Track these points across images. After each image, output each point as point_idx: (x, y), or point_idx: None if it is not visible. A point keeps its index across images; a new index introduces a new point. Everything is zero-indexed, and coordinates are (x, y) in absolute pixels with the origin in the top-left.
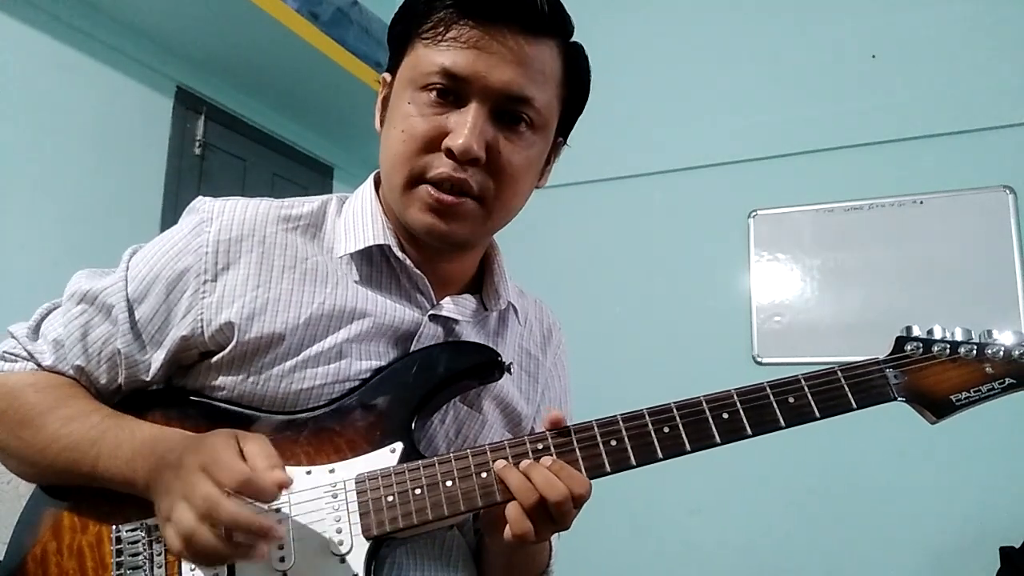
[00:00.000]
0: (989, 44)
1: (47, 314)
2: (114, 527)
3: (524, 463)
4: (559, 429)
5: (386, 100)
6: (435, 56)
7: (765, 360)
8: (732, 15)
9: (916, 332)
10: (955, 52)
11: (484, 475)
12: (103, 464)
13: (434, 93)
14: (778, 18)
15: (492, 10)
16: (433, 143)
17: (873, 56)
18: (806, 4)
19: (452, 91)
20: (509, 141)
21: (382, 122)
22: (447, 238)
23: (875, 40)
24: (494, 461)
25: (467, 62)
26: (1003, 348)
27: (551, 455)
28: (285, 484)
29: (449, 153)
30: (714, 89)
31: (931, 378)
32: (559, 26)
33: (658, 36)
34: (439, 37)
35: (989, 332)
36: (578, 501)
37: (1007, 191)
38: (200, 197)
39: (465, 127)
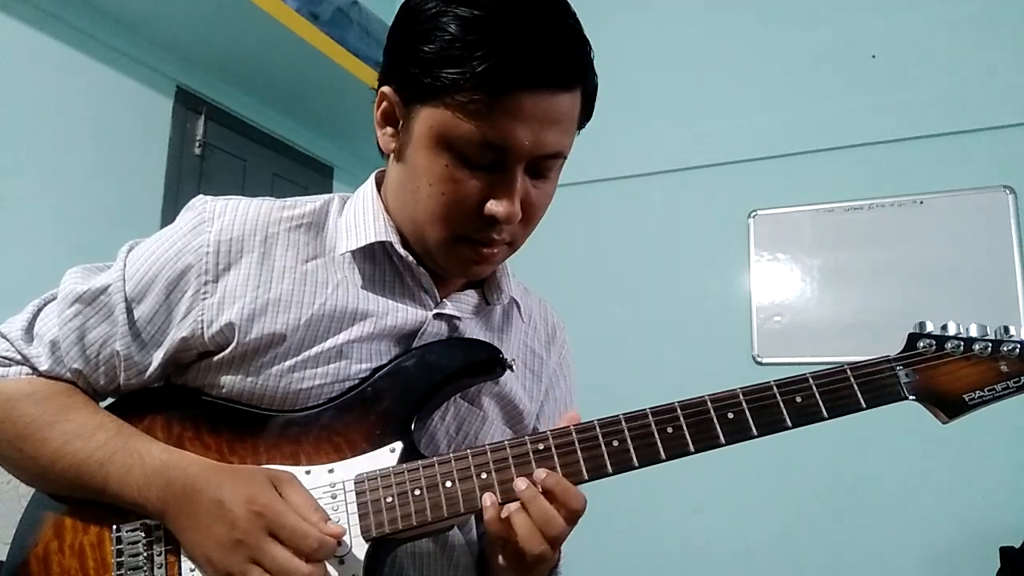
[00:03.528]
0: (989, 44)
1: (39, 311)
2: (114, 526)
3: (515, 505)
4: (560, 429)
5: (390, 118)
6: (475, 127)
7: (765, 360)
8: (732, 15)
9: (929, 328)
10: (955, 52)
11: (484, 476)
12: (112, 489)
13: (475, 161)
14: (778, 18)
15: (528, 77)
16: (476, 207)
17: (873, 56)
18: (806, 4)
19: (492, 159)
20: (537, 188)
21: (395, 150)
22: (478, 277)
23: (875, 40)
24: (494, 461)
25: (511, 135)
26: (1020, 345)
27: (552, 455)
28: (341, 535)
29: (493, 219)
30: (714, 89)
31: (943, 376)
32: (586, 72)
33: (658, 36)
34: (479, 107)
35: (1006, 328)
36: (574, 516)
37: (1007, 191)
38: (200, 195)
39: (511, 196)
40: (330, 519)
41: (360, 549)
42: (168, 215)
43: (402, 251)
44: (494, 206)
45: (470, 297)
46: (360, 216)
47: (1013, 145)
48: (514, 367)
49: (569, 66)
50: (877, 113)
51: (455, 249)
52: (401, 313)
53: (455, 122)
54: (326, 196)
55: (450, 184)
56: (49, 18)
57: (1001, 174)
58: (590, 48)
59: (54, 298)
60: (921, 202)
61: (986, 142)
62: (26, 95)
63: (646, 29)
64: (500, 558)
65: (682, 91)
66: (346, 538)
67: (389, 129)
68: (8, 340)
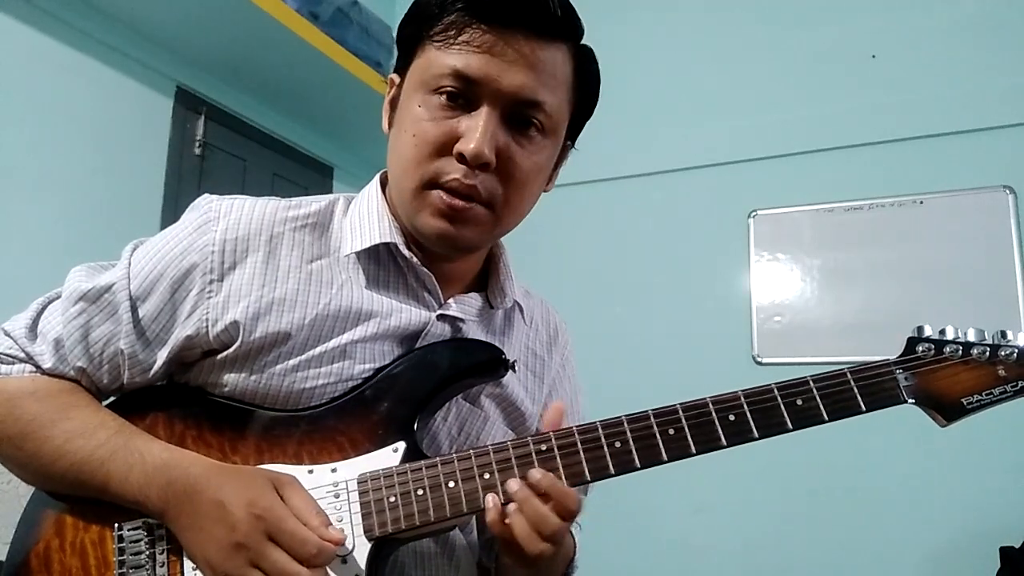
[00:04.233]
0: (989, 44)
1: (43, 309)
2: (116, 525)
3: (513, 506)
4: (563, 430)
5: (394, 102)
6: (446, 59)
7: (765, 360)
8: (732, 15)
9: (928, 332)
10: (955, 52)
11: (487, 476)
12: (113, 488)
13: (444, 96)
14: (778, 18)
15: (504, 14)
16: (444, 147)
17: (873, 56)
18: (806, 4)
19: (463, 94)
20: (519, 146)
21: (390, 124)
22: (456, 242)
23: (875, 40)
24: (497, 462)
25: (479, 65)
26: (1017, 350)
27: (555, 455)
28: (341, 542)
29: (460, 158)
30: (714, 89)
31: (942, 380)
32: (570, 30)
33: (658, 36)
34: (450, 40)
35: (1003, 333)
36: (570, 515)
37: (1007, 191)
38: (205, 195)
39: (477, 131)
40: (331, 523)
41: (363, 549)
42: (168, 215)
43: (406, 252)
44: (462, 144)
45: (473, 300)
46: (365, 217)
47: (1013, 145)
48: (516, 368)
49: (547, 15)
50: (877, 113)
51: (426, 198)
52: (405, 314)
53: (430, 59)
54: (331, 196)
55: (421, 124)
56: (49, 18)
57: (1001, 174)
58: (577, 15)
59: (58, 296)
60: (921, 202)
61: (986, 142)
62: (26, 95)
63: (646, 29)
64: (506, 557)
65: (682, 91)
66: (348, 538)
67: (391, 111)
68: (12, 338)
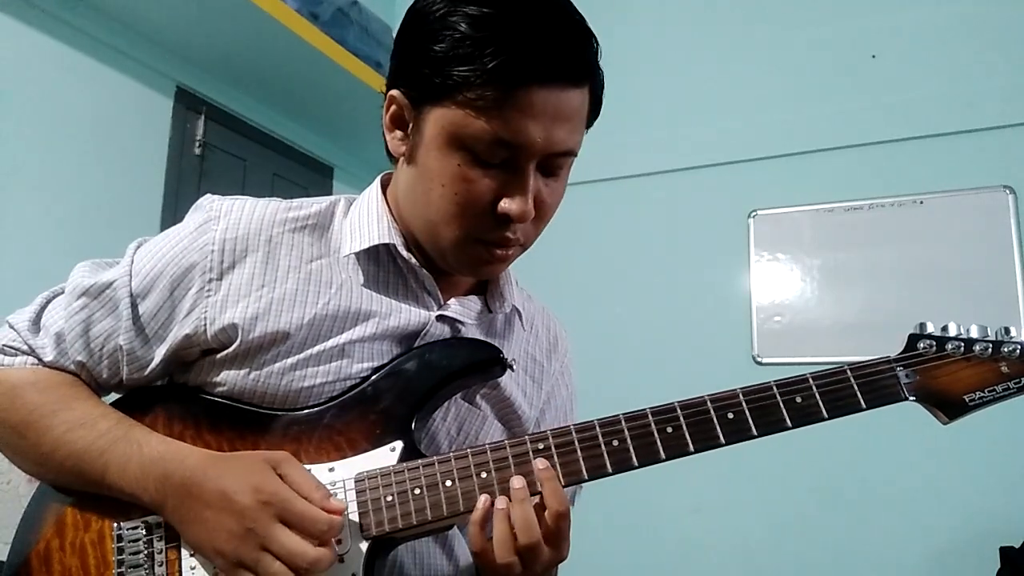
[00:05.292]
0: (989, 44)
1: (47, 303)
2: (115, 524)
3: (501, 504)
4: (560, 428)
5: (399, 122)
6: (487, 124)
7: (765, 360)
8: (732, 15)
9: (930, 329)
10: (955, 52)
11: (484, 475)
12: (110, 478)
13: (485, 157)
14: (778, 18)
15: (546, 72)
16: (489, 205)
17: (873, 56)
18: (806, 4)
19: (503, 156)
20: (548, 186)
21: (403, 148)
22: (489, 277)
23: (875, 40)
24: (494, 461)
25: (523, 130)
26: (1020, 346)
27: (552, 454)
28: (343, 511)
29: (506, 217)
30: (714, 89)
31: (944, 378)
32: (595, 68)
33: (658, 36)
34: (490, 104)
35: (1006, 329)
36: (555, 520)
37: (1007, 191)
38: (208, 195)
39: (524, 193)
40: (332, 494)
41: (360, 548)
42: (168, 215)
43: (405, 253)
44: (508, 204)
45: (473, 303)
46: (364, 218)
47: (1013, 145)
48: (514, 367)
49: (579, 61)
50: (877, 113)
51: (469, 249)
52: (404, 314)
53: (467, 120)
54: (332, 197)
55: (463, 184)
56: (49, 18)
57: (1001, 174)
58: (597, 45)
59: (62, 291)
60: (921, 202)
61: (986, 142)
62: (26, 95)
63: (646, 29)
64: (477, 565)
65: (682, 91)
66: (346, 537)
67: (399, 132)
68: (15, 330)
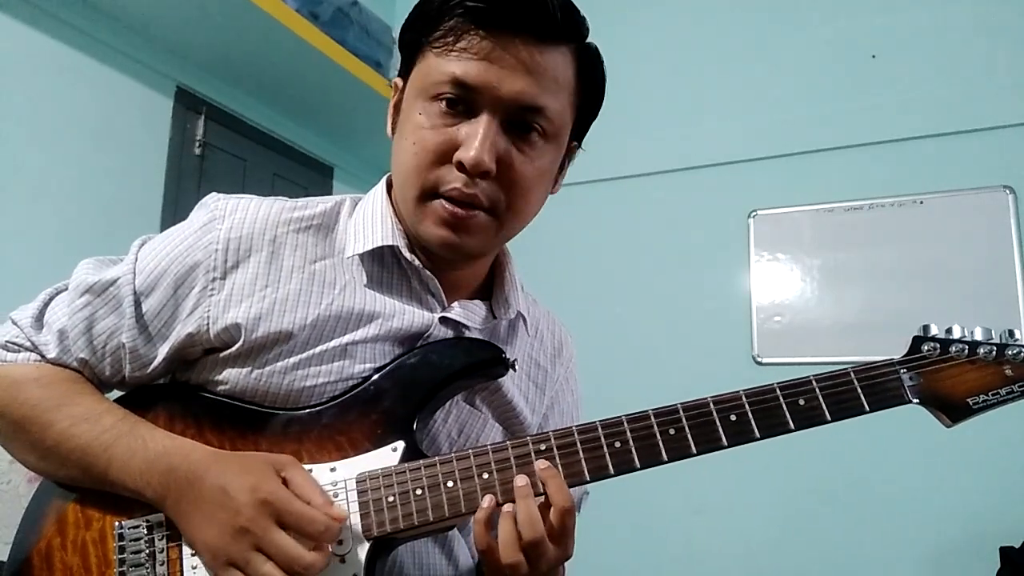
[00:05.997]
0: (989, 44)
1: (50, 300)
2: (117, 522)
3: (507, 506)
4: (563, 429)
5: (397, 106)
6: (445, 66)
7: (765, 360)
8: (732, 15)
9: (934, 331)
10: (955, 52)
11: (486, 476)
12: (114, 473)
13: (444, 103)
14: (778, 18)
15: (503, 19)
16: (444, 155)
17: (873, 56)
18: (806, 4)
19: (463, 101)
20: (520, 152)
21: (394, 128)
22: (459, 250)
23: (875, 40)
24: (496, 462)
25: (478, 72)
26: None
27: (554, 455)
28: (344, 519)
29: (460, 166)
30: (714, 89)
31: (947, 380)
32: (572, 31)
33: (658, 36)
34: (449, 47)
35: (1011, 332)
36: (560, 518)
37: (1007, 191)
38: (213, 193)
39: (476, 139)
40: (334, 500)
41: (361, 548)
42: (168, 215)
43: (408, 255)
44: (462, 152)
45: (477, 307)
46: (368, 219)
47: (1013, 145)
48: (516, 367)
49: (547, 18)
50: (877, 113)
51: (429, 207)
52: (408, 316)
53: (430, 65)
54: (338, 197)
55: (421, 132)
56: (49, 18)
57: (1001, 174)
58: (581, 16)
59: (66, 288)
60: (921, 202)
61: (986, 142)
62: (26, 95)
63: (646, 29)
64: (484, 567)
65: (682, 91)
66: (347, 537)
67: (395, 115)
68: (19, 327)
